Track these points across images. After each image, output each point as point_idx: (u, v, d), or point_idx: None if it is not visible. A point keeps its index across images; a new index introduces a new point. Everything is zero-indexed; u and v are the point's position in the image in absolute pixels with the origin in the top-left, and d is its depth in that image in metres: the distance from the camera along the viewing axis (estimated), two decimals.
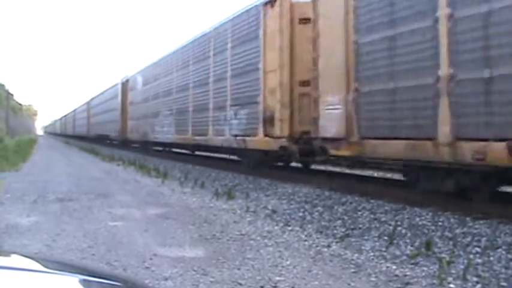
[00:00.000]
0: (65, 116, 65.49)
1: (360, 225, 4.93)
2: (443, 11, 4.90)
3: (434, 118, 4.98)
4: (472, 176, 5.11)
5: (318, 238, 4.44)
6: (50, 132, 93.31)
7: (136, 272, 3.29)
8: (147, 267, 3.41)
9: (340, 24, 6.55)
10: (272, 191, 7.50)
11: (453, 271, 3.35)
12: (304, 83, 7.87)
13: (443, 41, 4.89)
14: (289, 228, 4.88)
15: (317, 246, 4.14)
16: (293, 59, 8.28)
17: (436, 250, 3.89)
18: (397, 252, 3.90)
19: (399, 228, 4.67)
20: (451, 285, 3.11)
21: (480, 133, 4.55)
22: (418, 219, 5.06)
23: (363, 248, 4.08)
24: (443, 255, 3.74)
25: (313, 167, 10.57)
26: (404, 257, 3.76)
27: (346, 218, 5.30)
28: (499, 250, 3.84)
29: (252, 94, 9.39)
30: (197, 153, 15.08)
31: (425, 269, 3.46)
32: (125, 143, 23.10)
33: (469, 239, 4.22)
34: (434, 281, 3.17)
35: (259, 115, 9.00)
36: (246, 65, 9.76)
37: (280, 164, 10.13)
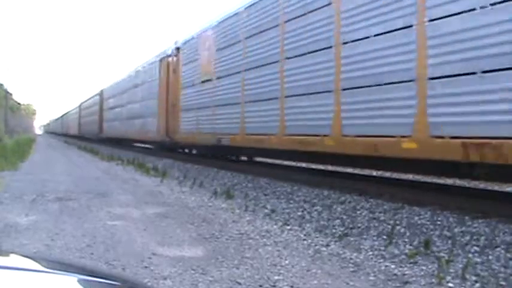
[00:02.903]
0: (61, 117, 68.67)
1: (359, 225, 4.93)
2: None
3: (213, 125, 11.16)
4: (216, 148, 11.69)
5: (316, 237, 4.44)
6: (53, 131, 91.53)
7: (135, 272, 3.29)
8: (146, 267, 3.41)
9: (178, 79, 13.84)
10: (271, 190, 7.50)
11: (452, 270, 3.35)
12: (174, 106, 14.15)
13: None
14: (288, 227, 4.88)
15: (316, 245, 4.14)
16: (168, 92, 14.75)
17: (434, 249, 3.90)
18: (396, 251, 3.91)
19: (398, 227, 4.68)
20: (450, 284, 3.11)
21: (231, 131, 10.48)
22: (416, 218, 5.07)
23: (361, 247, 4.08)
24: (442, 254, 3.74)
25: (313, 166, 10.58)
26: (403, 256, 3.76)
27: (345, 217, 5.30)
28: (498, 249, 3.84)
29: (154, 111, 16.51)
30: (195, 152, 15.35)
31: (424, 268, 3.46)
32: (101, 140, 29.02)
33: (467, 238, 4.22)
34: (433, 280, 3.18)
35: (155, 123, 16.22)
36: (151, 93, 17.00)
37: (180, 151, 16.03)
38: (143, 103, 18.20)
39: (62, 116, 69.26)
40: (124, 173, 10.79)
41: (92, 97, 33.95)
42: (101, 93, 29.33)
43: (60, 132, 65.71)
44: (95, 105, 30.86)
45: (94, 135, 30.99)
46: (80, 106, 41.99)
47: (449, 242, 4.11)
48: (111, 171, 11.36)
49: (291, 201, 6.43)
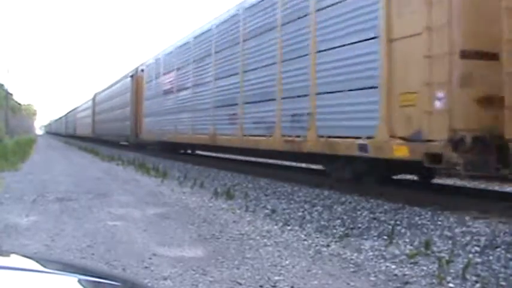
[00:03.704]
0: (66, 115, 60.75)
1: (359, 225, 4.93)
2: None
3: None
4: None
5: (317, 237, 4.44)
6: (55, 132, 78.55)
7: (135, 272, 3.29)
8: (146, 267, 3.41)
9: None
10: (271, 191, 7.49)
11: (452, 270, 3.35)
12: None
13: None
14: (289, 227, 4.88)
15: (316, 245, 4.14)
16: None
17: (435, 249, 3.90)
18: (397, 252, 3.90)
19: (398, 227, 4.68)
20: (450, 285, 3.11)
21: None
22: (417, 218, 5.06)
23: (362, 247, 4.08)
24: (442, 254, 3.74)
25: (313, 166, 10.56)
26: (404, 257, 3.76)
27: (345, 217, 5.30)
28: (498, 249, 3.83)
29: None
30: (198, 152, 15.18)
31: (424, 268, 3.46)
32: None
33: (468, 238, 4.21)
34: (434, 281, 3.18)
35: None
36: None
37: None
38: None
39: (66, 114, 59.52)
40: (124, 174, 10.79)
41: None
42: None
43: (63, 134, 56.62)
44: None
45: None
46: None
47: (450, 242, 4.11)
48: (111, 171, 11.36)
49: (292, 202, 6.43)
